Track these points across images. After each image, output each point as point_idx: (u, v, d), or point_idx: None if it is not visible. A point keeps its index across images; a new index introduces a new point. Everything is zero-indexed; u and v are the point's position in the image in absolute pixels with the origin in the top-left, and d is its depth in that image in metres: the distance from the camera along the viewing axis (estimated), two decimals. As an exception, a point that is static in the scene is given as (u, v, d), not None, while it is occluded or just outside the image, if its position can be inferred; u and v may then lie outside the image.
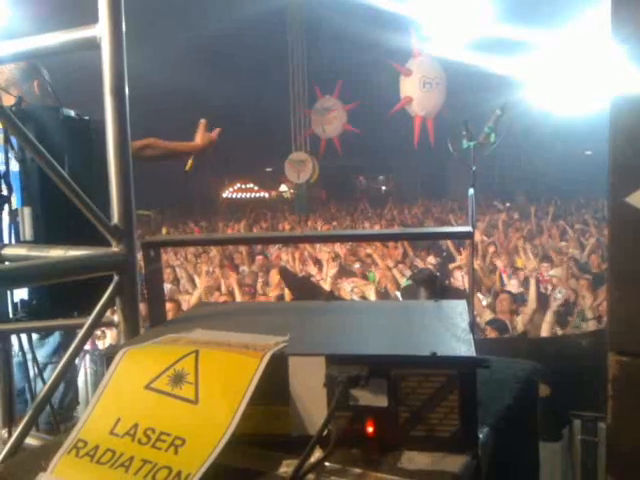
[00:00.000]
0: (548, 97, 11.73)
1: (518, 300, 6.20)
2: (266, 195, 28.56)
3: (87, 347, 4.75)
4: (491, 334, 4.86)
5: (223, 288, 7.49)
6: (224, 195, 28.28)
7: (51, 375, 1.63)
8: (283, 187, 28.24)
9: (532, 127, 12.58)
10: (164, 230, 13.55)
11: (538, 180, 16.60)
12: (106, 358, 1.10)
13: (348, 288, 6.69)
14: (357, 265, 8.61)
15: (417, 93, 17.46)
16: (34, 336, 2.58)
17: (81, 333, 1.62)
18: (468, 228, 1.48)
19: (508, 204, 16.09)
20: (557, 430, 3.07)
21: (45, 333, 2.78)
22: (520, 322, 5.42)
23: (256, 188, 28.79)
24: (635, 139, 1.12)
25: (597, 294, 6.09)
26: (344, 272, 7.99)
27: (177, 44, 15.82)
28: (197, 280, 7.83)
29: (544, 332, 4.99)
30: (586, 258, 8.39)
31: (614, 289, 1.07)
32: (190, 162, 3.19)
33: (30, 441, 1.61)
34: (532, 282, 6.12)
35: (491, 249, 8.89)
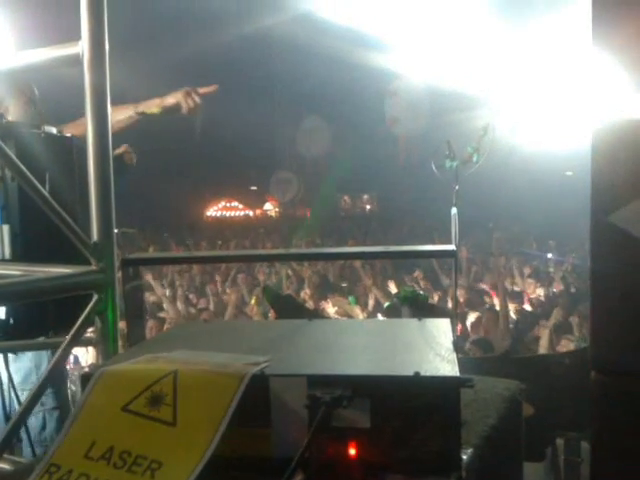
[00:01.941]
0: (528, 122, 11.95)
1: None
2: (250, 213, 28.49)
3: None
4: (476, 353, 4.86)
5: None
6: (208, 214, 28.18)
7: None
8: (268, 205, 28.20)
9: (515, 147, 12.75)
10: (151, 249, 13.32)
11: (521, 200, 16.77)
12: (82, 379, 1.07)
13: (332, 311, 6.68)
14: (344, 284, 8.63)
15: (402, 113, 17.67)
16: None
17: (58, 353, 1.59)
18: (452, 247, 1.48)
19: (491, 224, 16.20)
20: (540, 450, 3.06)
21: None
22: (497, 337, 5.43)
23: (241, 206, 28.71)
24: (616, 160, 1.13)
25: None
26: (329, 290, 7.99)
27: (162, 61, 15.87)
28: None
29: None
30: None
31: (596, 308, 1.08)
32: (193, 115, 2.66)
33: (4, 466, 1.56)
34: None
35: (474, 268, 8.95)
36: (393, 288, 7.49)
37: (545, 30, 10.88)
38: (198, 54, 17.04)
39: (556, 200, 15.18)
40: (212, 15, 16.46)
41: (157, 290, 8.03)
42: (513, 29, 11.86)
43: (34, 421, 2.50)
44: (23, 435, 2.15)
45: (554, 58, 10.54)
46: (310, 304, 7.10)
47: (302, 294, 7.84)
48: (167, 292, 8.20)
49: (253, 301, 7.51)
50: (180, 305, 7.54)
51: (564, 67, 9.97)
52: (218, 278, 9.23)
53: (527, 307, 6.91)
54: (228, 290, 8.46)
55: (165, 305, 7.52)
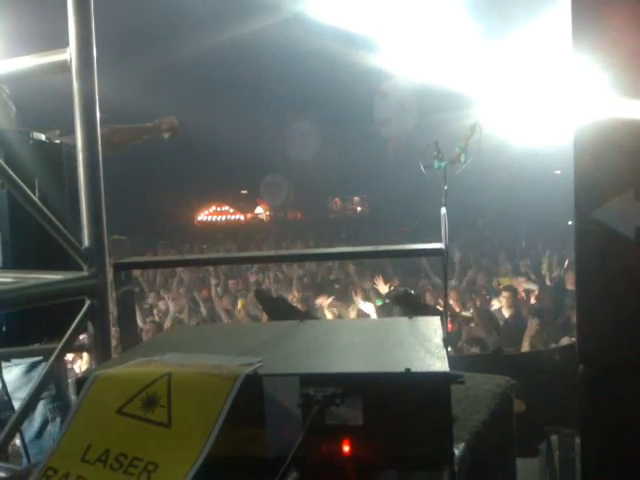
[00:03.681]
0: (515, 121, 12.02)
1: (496, 317, 6.26)
2: (241, 218, 28.43)
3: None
4: (469, 351, 4.88)
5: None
6: (199, 218, 28.10)
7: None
8: (259, 209, 28.19)
9: (501, 146, 12.81)
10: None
11: (510, 198, 16.86)
12: (77, 384, 1.08)
13: (328, 314, 6.69)
14: (336, 286, 8.63)
15: (392, 114, 17.71)
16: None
17: (51, 358, 1.59)
18: (441, 245, 1.50)
19: (480, 222, 16.29)
20: (534, 446, 3.07)
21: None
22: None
23: (231, 211, 28.64)
24: (599, 157, 1.15)
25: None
26: (322, 290, 8.00)
27: (152, 67, 15.84)
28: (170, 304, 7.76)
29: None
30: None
31: (582, 303, 1.09)
32: (168, 134, 3.29)
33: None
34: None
35: (470, 273, 8.97)
36: (383, 287, 7.49)
37: (532, 30, 10.97)
38: (187, 57, 17.02)
39: (545, 198, 15.28)
40: (200, 18, 16.45)
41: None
42: (501, 30, 11.94)
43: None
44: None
45: (541, 58, 10.62)
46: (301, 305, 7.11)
47: (289, 297, 7.85)
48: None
49: (240, 304, 7.51)
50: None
51: (552, 66, 10.04)
52: (213, 281, 9.20)
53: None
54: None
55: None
